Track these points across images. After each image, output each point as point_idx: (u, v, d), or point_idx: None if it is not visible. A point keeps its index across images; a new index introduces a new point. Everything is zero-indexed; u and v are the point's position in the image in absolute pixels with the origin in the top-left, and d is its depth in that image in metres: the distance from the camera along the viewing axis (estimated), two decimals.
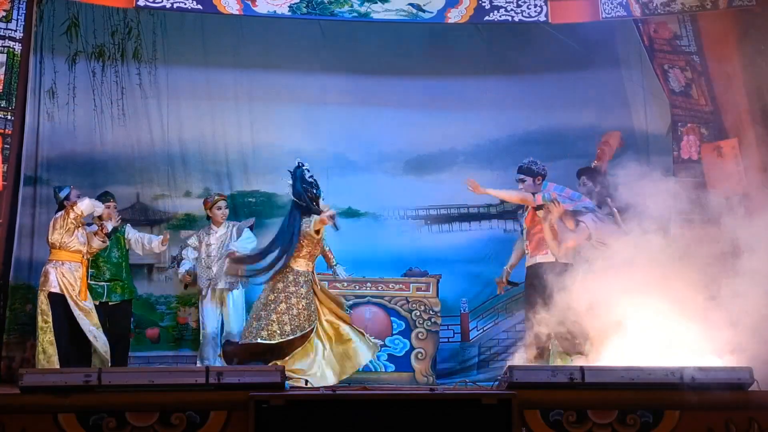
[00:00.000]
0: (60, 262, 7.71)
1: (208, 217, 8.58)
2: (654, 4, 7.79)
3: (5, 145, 7.80)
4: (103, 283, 8.22)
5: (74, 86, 9.09)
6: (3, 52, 7.77)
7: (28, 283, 8.64)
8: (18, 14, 7.81)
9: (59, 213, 7.84)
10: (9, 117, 7.88)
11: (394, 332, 8.56)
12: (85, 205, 7.74)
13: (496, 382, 6.68)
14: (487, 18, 8.14)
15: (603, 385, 5.77)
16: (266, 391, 5.62)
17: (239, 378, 5.73)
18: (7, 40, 7.74)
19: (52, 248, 7.79)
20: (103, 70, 9.20)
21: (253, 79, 9.49)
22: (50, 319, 7.61)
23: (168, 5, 7.90)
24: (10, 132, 7.87)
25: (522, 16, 8.11)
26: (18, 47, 7.77)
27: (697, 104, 8.11)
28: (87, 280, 7.92)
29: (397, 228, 9.48)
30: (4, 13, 7.73)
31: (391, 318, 8.58)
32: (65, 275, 7.68)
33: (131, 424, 5.52)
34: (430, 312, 8.53)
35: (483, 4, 8.07)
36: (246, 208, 9.39)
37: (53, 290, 7.62)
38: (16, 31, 7.86)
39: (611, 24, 8.55)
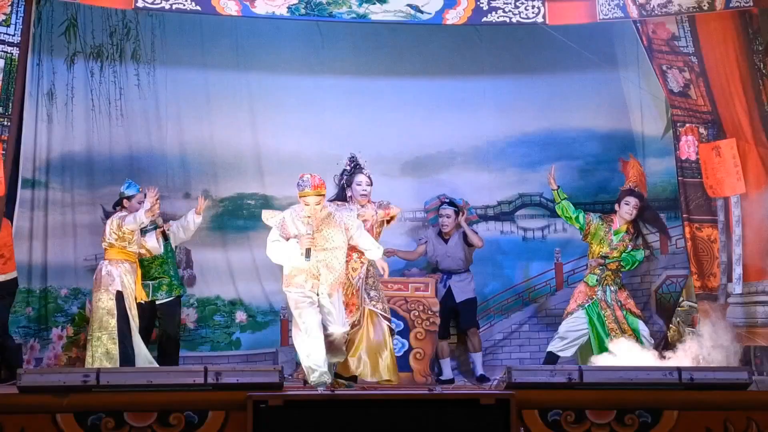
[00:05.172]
0: (119, 261, 7.69)
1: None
2: (651, 6, 7.78)
3: (3, 152, 7.71)
4: (148, 282, 8.17)
5: (72, 86, 9.08)
6: (1, 58, 7.68)
7: (27, 287, 8.65)
8: (16, 18, 7.71)
9: (116, 216, 7.81)
10: (6, 123, 7.72)
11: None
12: (131, 226, 7.68)
13: (495, 382, 6.70)
14: (484, 19, 8.10)
15: (601, 385, 5.79)
16: (264, 391, 5.63)
17: (237, 378, 5.74)
18: (5, 45, 7.67)
19: (110, 248, 7.78)
20: (101, 71, 9.20)
21: (251, 80, 9.49)
22: (114, 319, 7.58)
23: (167, 6, 7.87)
24: (6, 138, 7.76)
25: (520, 17, 8.08)
26: (16, 52, 7.69)
27: (695, 104, 8.12)
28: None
29: (395, 229, 9.46)
30: (3, 17, 7.64)
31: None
32: (124, 275, 7.66)
33: (129, 424, 5.53)
34: (429, 312, 8.50)
35: (481, 5, 8.04)
36: (245, 210, 9.39)
37: (119, 288, 7.60)
38: (14, 35, 7.78)
39: (609, 25, 8.55)
